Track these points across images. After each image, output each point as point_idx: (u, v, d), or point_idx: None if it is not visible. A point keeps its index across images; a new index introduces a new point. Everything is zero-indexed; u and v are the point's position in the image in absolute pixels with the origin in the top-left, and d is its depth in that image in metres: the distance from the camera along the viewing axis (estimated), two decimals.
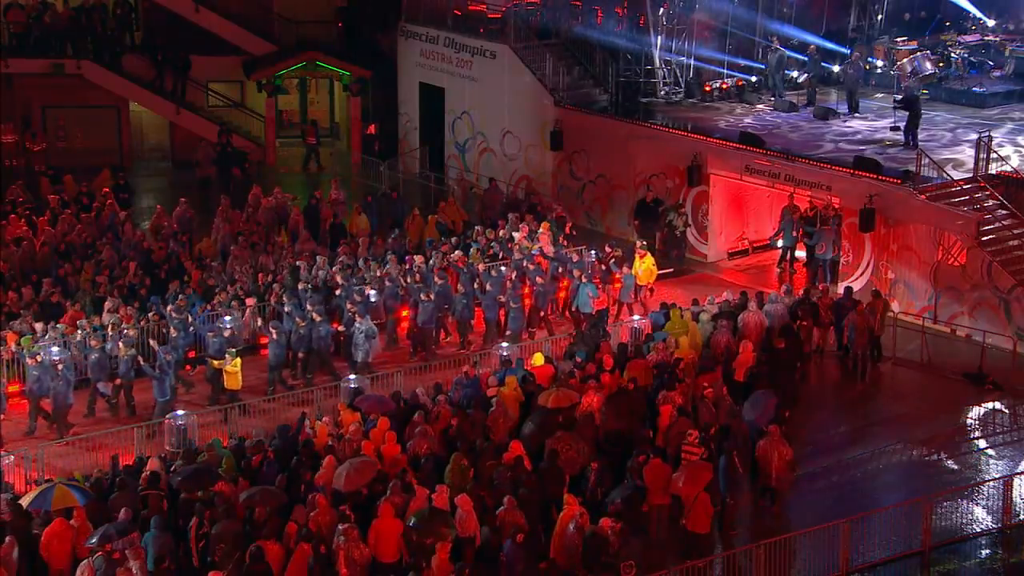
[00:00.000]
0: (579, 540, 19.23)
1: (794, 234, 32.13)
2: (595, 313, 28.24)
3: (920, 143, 32.08)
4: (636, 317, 28.90)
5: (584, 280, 29.43)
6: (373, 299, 28.92)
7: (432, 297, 28.41)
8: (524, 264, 30.17)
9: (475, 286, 29.23)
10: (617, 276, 30.21)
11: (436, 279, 29.19)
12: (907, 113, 32.90)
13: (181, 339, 26.94)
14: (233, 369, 26.45)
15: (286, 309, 27.85)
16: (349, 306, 27.92)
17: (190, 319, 27.57)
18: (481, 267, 29.94)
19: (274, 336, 27.05)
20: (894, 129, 33.63)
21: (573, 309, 29.79)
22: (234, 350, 26.59)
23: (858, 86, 36.72)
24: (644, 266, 30.47)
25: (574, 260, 30.82)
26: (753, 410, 22.90)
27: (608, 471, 21.29)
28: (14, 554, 19.33)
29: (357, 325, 27.34)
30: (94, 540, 19.06)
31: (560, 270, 30.41)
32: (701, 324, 27.15)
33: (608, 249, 31.22)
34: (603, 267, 30.72)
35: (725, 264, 34.15)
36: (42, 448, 23.80)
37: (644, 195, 34.80)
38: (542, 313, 29.79)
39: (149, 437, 24.45)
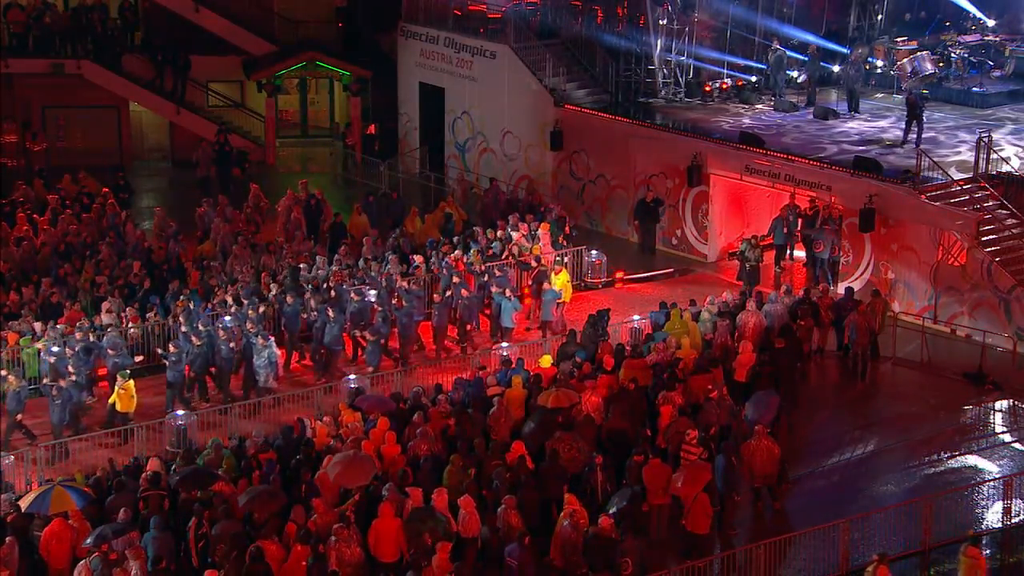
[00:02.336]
0: (576, 538, 19.22)
1: (784, 231, 32.13)
2: (595, 313, 28.19)
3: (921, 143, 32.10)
4: (636, 317, 28.84)
5: (509, 296, 28.69)
6: (372, 299, 28.92)
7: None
8: (452, 279, 29.21)
9: (393, 301, 28.38)
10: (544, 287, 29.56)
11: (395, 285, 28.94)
12: (908, 114, 32.81)
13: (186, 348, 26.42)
14: (124, 391, 25.16)
15: (182, 329, 26.74)
16: (249, 326, 26.88)
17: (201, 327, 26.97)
18: (400, 282, 29.24)
19: (171, 355, 25.94)
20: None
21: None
22: (128, 372, 25.48)
23: (859, 86, 36.69)
24: (560, 282, 29.72)
25: (496, 275, 29.90)
26: (755, 410, 22.88)
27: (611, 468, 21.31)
28: (14, 554, 19.34)
29: (257, 348, 26.40)
30: (90, 541, 19.07)
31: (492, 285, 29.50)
32: (701, 324, 27.16)
33: (534, 264, 30.50)
34: (531, 282, 30.08)
35: (725, 264, 34.15)
36: (42, 448, 23.82)
37: (644, 195, 34.81)
38: (469, 327, 29.14)
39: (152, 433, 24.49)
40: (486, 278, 29.83)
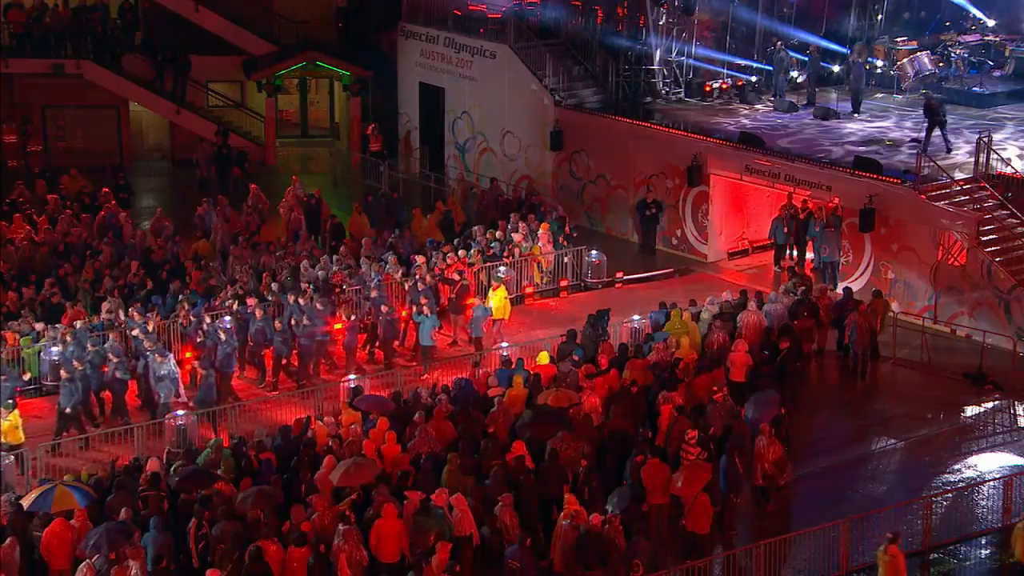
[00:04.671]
0: (574, 535, 19.22)
1: (784, 231, 32.13)
2: (595, 312, 28.19)
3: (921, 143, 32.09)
4: (636, 317, 28.85)
5: (426, 312, 27.80)
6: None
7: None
8: (372, 293, 28.62)
9: (291, 322, 27.15)
10: (468, 305, 28.87)
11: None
12: (928, 119, 32.49)
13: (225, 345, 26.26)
14: (9, 424, 23.68)
15: (70, 348, 25.67)
16: (147, 344, 25.63)
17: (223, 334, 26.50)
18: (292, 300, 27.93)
19: (65, 381, 24.80)
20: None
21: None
22: (11, 402, 24.25)
23: (861, 86, 36.70)
24: (497, 299, 29.00)
25: (419, 288, 28.96)
26: (756, 410, 22.87)
27: (599, 468, 21.32)
28: (15, 554, 19.33)
29: (154, 365, 25.28)
30: (91, 543, 19.04)
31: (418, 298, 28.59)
32: (701, 324, 27.16)
33: (456, 277, 29.65)
34: (453, 296, 29.28)
35: (725, 264, 34.15)
36: (41, 448, 23.81)
37: (645, 195, 34.79)
38: (395, 343, 28.38)
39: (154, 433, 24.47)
40: (407, 288, 29.05)
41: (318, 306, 27.43)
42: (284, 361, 27.26)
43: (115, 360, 25.62)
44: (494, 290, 29.38)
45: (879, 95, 37.76)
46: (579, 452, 21.56)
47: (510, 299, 29.84)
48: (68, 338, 26.14)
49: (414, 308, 28.17)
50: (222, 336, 26.39)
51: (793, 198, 32.13)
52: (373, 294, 28.66)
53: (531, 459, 21.37)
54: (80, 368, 25.01)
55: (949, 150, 32.18)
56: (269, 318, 27.40)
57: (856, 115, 36.06)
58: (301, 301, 27.64)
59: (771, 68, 38.13)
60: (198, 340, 26.72)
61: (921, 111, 33.18)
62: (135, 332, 26.48)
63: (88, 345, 25.98)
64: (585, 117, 37.03)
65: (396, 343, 28.53)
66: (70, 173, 37.33)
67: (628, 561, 18.98)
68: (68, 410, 24.82)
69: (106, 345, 26.11)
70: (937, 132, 32.30)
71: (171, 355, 25.89)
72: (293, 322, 27.12)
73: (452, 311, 29.38)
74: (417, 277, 29.46)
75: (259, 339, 27.29)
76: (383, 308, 28.03)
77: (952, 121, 34.74)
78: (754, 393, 23.66)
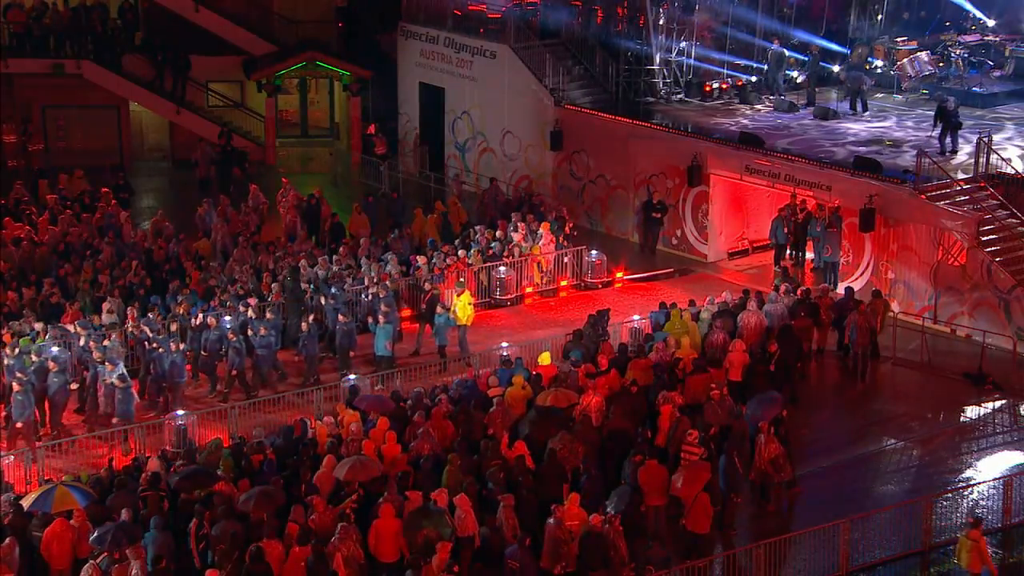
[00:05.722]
0: (562, 536, 19.19)
1: (785, 231, 32.13)
2: (595, 312, 28.17)
3: (918, 143, 32.04)
4: (636, 317, 28.84)
5: (380, 321, 27.22)
6: (227, 327, 28.41)
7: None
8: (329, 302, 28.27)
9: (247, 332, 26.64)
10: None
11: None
12: (941, 122, 32.39)
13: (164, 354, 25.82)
14: None
15: (7, 362, 25.02)
16: (96, 355, 25.20)
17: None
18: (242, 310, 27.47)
19: (17, 394, 24.12)
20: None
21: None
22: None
23: (865, 86, 36.69)
24: (461, 304, 28.54)
25: (381, 296, 28.41)
26: (757, 409, 22.84)
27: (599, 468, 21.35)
28: (15, 554, 19.33)
29: (101, 371, 24.87)
30: (95, 541, 19.05)
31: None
32: (701, 324, 27.16)
33: (428, 287, 29.32)
34: (423, 306, 28.97)
35: (725, 264, 34.15)
36: (42, 448, 23.81)
37: (651, 196, 34.76)
38: (352, 353, 27.81)
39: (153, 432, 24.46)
40: (367, 299, 28.65)
41: (268, 315, 27.11)
42: (235, 372, 26.61)
43: (55, 369, 25.18)
44: (458, 296, 28.87)
45: (879, 95, 37.75)
46: (572, 453, 21.55)
47: (510, 300, 29.83)
48: (7, 351, 25.36)
49: (370, 318, 27.72)
50: (172, 345, 25.84)
51: (796, 199, 32.08)
52: (331, 301, 28.16)
53: (531, 459, 21.37)
54: (24, 378, 24.43)
55: (952, 151, 32.13)
56: (225, 327, 26.76)
57: (859, 114, 36.02)
58: (253, 314, 27.16)
59: (769, 67, 38.16)
60: (149, 352, 26.06)
61: (934, 114, 32.84)
62: (82, 341, 25.87)
63: (34, 356, 25.27)
64: (585, 117, 37.02)
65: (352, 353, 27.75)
66: (73, 174, 37.31)
67: (641, 567, 18.99)
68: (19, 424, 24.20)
69: (107, 344, 26.07)
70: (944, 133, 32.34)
71: (121, 363, 25.24)
72: (250, 332, 26.62)
73: (421, 320, 28.89)
74: (376, 284, 28.88)
75: (214, 348, 26.72)
76: (340, 317, 27.46)
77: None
78: (756, 393, 23.66)
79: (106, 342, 26.02)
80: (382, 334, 27.21)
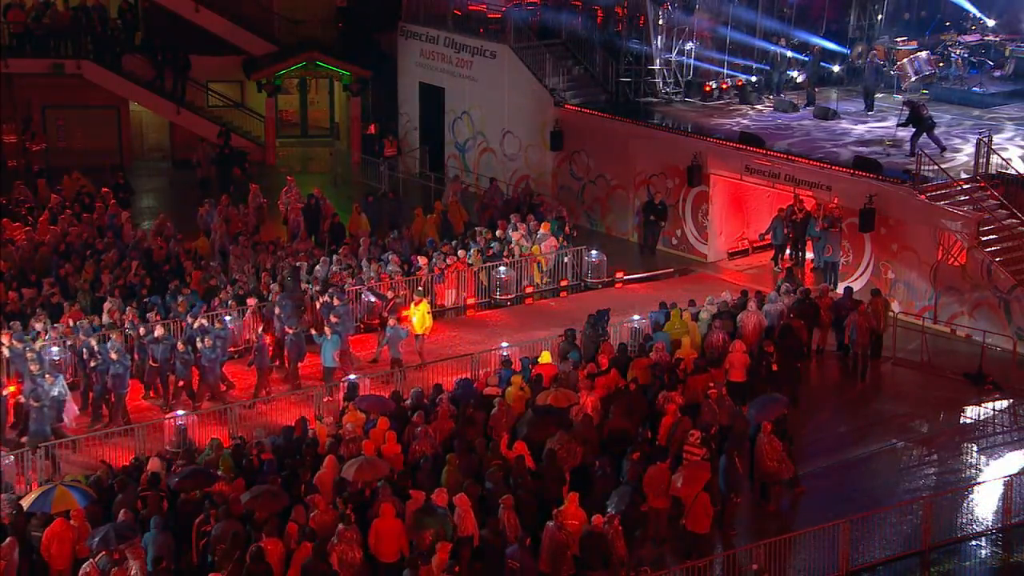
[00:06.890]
0: (561, 537, 19.19)
1: (784, 231, 32.12)
2: (595, 312, 28.15)
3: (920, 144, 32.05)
4: (636, 317, 28.82)
5: (327, 332, 26.63)
6: (374, 300, 28.91)
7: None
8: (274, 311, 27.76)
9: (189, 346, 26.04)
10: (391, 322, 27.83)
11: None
12: (915, 125, 32.05)
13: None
14: None
15: None
16: (33, 367, 24.46)
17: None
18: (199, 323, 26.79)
19: None
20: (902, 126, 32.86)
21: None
22: None
23: (876, 87, 36.71)
24: (418, 313, 28.15)
25: (334, 304, 27.61)
26: (758, 409, 22.82)
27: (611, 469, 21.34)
28: (14, 554, 19.33)
29: (42, 386, 24.08)
30: (95, 542, 19.04)
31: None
32: (701, 324, 27.15)
33: (389, 295, 29.07)
34: (385, 314, 28.50)
35: (725, 264, 34.15)
36: (42, 448, 23.81)
37: (652, 196, 34.75)
38: (289, 364, 27.22)
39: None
40: (318, 305, 28.18)
41: (216, 324, 26.84)
42: (182, 383, 26.16)
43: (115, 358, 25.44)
44: (416, 305, 28.37)
45: (879, 95, 37.73)
46: (570, 453, 21.54)
47: (510, 299, 29.80)
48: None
49: (313, 330, 27.23)
50: (113, 356, 25.29)
51: (797, 200, 32.07)
52: (277, 311, 27.72)
53: (531, 459, 21.37)
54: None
55: (942, 150, 32.06)
56: (172, 338, 26.40)
57: (868, 113, 36.07)
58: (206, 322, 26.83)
59: (769, 68, 38.15)
60: (91, 364, 25.62)
61: (907, 116, 32.19)
62: (29, 354, 25.25)
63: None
64: (585, 117, 37.02)
65: (301, 363, 27.18)
66: (71, 175, 37.31)
67: (636, 568, 19.00)
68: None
69: (108, 344, 26.07)
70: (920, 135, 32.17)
71: (61, 376, 24.77)
72: (198, 343, 26.17)
73: (382, 328, 28.29)
74: (328, 294, 28.25)
75: (163, 359, 26.22)
76: (286, 329, 27.00)
77: (952, 121, 34.83)
78: (758, 395, 23.65)
79: (95, 342, 26.01)
80: (329, 345, 26.49)
